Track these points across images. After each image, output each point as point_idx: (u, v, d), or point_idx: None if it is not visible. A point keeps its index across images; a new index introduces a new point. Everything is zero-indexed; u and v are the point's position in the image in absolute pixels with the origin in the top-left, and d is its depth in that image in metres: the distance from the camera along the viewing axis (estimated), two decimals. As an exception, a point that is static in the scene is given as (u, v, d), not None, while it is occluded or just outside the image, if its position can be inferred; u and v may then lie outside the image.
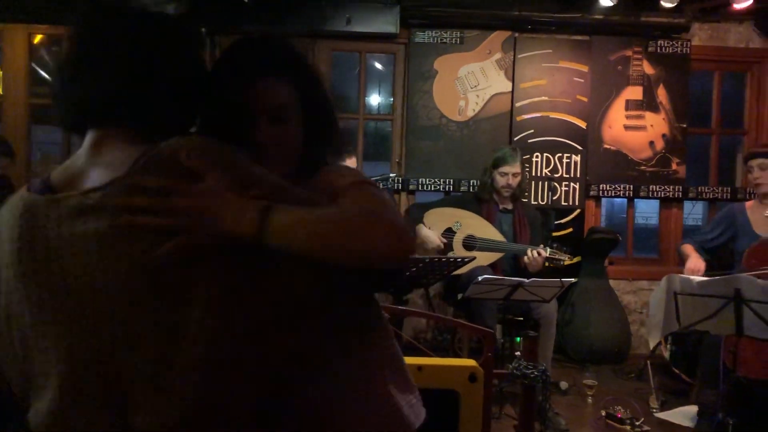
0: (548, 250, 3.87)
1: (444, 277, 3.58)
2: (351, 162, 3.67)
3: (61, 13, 4.82)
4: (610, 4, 4.52)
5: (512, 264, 4.12)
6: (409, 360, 2.35)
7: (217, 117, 1.15)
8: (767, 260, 3.52)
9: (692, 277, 2.99)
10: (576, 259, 5.02)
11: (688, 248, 3.94)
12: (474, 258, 3.53)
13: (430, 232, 3.97)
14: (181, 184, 0.92)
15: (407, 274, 3.08)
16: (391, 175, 3.92)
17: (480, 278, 3.36)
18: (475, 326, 2.43)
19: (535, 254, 3.84)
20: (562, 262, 3.73)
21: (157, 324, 0.90)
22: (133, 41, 1.04)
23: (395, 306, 2.92)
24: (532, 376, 2.36)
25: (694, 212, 8.33)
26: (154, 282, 0.90)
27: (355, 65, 5.46)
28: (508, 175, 4.07)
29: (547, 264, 3.98)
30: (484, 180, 4.20)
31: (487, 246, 3.98)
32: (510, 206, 4.21)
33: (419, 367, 2.30)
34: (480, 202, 4.19)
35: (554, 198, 5.09)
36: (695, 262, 3.78)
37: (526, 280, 3.48)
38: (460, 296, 3.72)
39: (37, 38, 5.19)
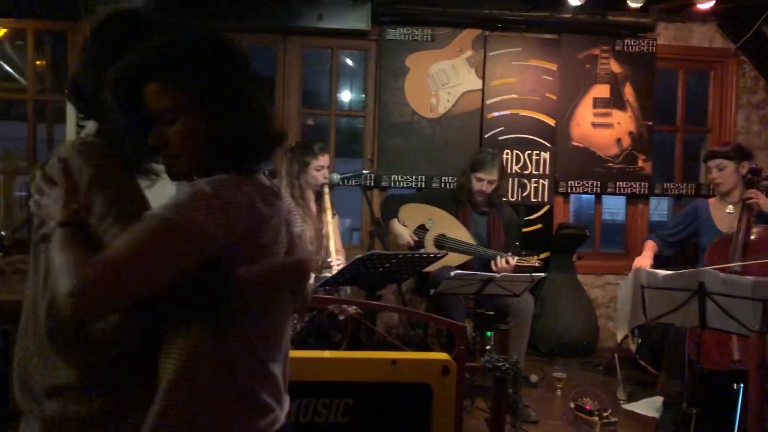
0: (516, 258, 3.90)
1: (416, 272, 3.61)
2: (323, 159, 3.67)
3: (25, 6, 4.76)
4: (579, 3, 4.60)
5: (482, 267, 4.14)
6: (382, 354, 2.39)
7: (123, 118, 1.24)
8: (727, 256, 3.62)
9: (658, 271, 3.06)
10: (545, 254, 5.10)
11: (648, 245, 4.05)
12: (446, 254, 3.57)
13: (402, 229, 4.00)
14: (46, 186, 1.25)
15: (380, 270, 3.11)
16: (363, 171, 3.94)
17: (452, 273, 3.40)
18: (447, 320, 2.47)
19: (503, 262, 3.87)
20: (530, 275, 3.74)
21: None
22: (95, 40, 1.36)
23: (368, 301, 2.95)
24: (503, 369, 2.40)
25: (659, 208, 8.52)
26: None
27: (326, 62, 5.46)
28: (484, 181, 4.06)
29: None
30: (461, 182, 4.20)
31: (458, 247, 4.01)
32: (486, 208, 4.24)
33: (393, 361, 2.33)
34: (456, 202, 4.21)
35: (524, 194, 5.16)
36: (641, 260, 3.92)
37: (497, 275, 3.53)
38: (432, 292, 3.76)
39: (1, 32, 5.10)
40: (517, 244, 4.43)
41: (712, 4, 4.48)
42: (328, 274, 3.31)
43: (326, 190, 3.67)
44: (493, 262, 3.91)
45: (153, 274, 1.07)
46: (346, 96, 9.37)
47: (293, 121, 5.16)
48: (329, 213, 3.60)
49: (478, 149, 4.32)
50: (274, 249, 1.23)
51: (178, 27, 1.28)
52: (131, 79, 1.19)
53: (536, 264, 3.88)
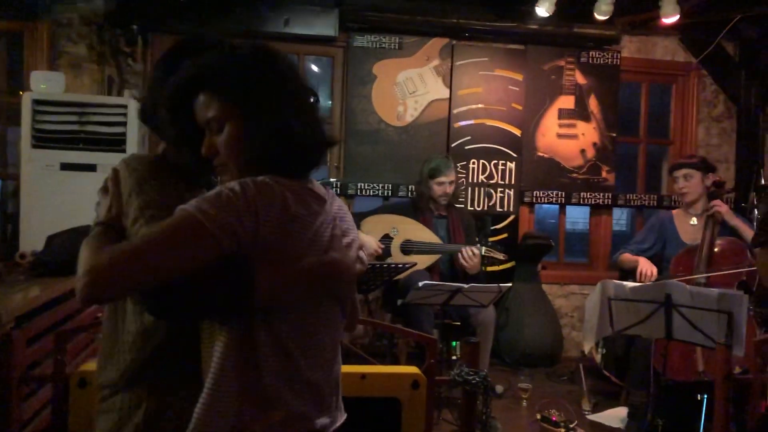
0: (483, 249, 3.93)
1: (384, 283, 3.57)
2: None
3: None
4: (546, 14, 4.62)
5: (450, 267, 4.15)
6: (351, 368, 2.33)
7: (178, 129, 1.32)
8: (692, 267, 3.66)
9: (625, 282, 3.07)
10: (510, 264, 5.11)
11: (630, 256, 4.02)
12: (415, 264, 3.54)
13: (369, 238, 3.96)
14: (101, 193, 1.36)
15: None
16: (329, 180, 3.88)
17: (420, 284, 3.36)
18: (417, 333, 2.42)
19: (470, 253, 3.91)
20: (497, 261, 3.79)
21: None
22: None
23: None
24: (473, 382, 2.37)
25: (620, 219, 8.63)
26: None
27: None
28: (445, 184, 4.15)
29: (484, 268, 4.04)
30: (421, 190, 4.25)
31: (424, 249, 4.01)
32: (444, 212, 4.26)
33: (362, 375, 2.28)
34: (416, 209, 4.22)
35: (490, 204, 5.16)
36: (647, 265, 3.86)
37: (465, 285, 3.50)
38: (399, 302, 3.71)
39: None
40: (486, 240, 4.44)
41: (676, 18, 4.54)
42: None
43: None
44: (460, 256, 3.91)
45: (163, 263, 1.11)
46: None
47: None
48: None
49: (427, 159, 4.32)
50: (309, 251, 1.22)
51: (228, 43, 1.34)
52: (182, 92, 1.26)
53: (502, 257, 3.98)
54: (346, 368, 2.34)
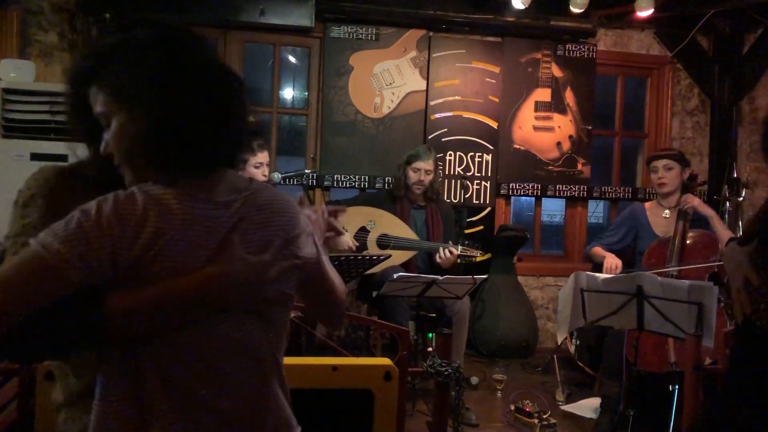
0: (459, 248, 3.93)
1: (360, 275, 3.56)
2: (262, 156, 3.56)
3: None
4: (522, 6, 4.62)
5: (426, 261, 4.16)
6: (322, 360, 2.32)
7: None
8: (664, 259, 3.70)
9: (597, 274, 3.09)
10: (486, 256, 5.13)
11: (600, 250, 4.04)
12: (390, 256, 3.53)
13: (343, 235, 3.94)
14: None
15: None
16: (306, 171, 3.84)
17: (395, 276, 3.36)
18: (390, 325, 2.42)
19: (447, 253, 3.90)
20: (473, 259, 3.80)
21: None
22: None
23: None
24: (446, 373, 2.37)
25: (596, 211, 8.69)
26: None
27: (269, 58, 5.34)
28: (421, 170, 4.12)
29: (459, 261, 4.04)
30: (397, 176, 4.24)
31: (401, 244, 4.00)
32: (423, 203, 4.25)
33: (334, 367, 2.27)
34: (394, 199, 4.21)
35: (466, 196, 5.17)
36: (612, 260, 3.88)
37: (439, 278, 3.51)
38: (375, 294, 3.71)
39: None
40: (461, 231, 4.46)
41: (651, 12, 4.58)
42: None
43: None
44: (437, 254, 3.91)
45: (20, 300, 1.00)
46: (289, 93, 9.20)
47: (233, 118, 5.02)
48: None
49: (412, 148, 4.32)
50: (182, 267, 1.08)
51: (134, 24, 1.18)
52: (77, 84, 1.16)
53: (478, 254, 3.96)
54: (317, 360, 2.34)
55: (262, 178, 3.56)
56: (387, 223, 4.03)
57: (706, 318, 2.78)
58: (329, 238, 1.54)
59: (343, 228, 3.92)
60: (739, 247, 1.67)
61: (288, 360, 2.45)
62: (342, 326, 4.80)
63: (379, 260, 3.22)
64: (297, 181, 4.41)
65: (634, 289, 2.95)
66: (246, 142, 1.23)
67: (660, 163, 3.93)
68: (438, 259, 3.93)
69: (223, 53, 4.96)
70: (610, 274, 3.73)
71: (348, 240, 3.90)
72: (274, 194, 1.25)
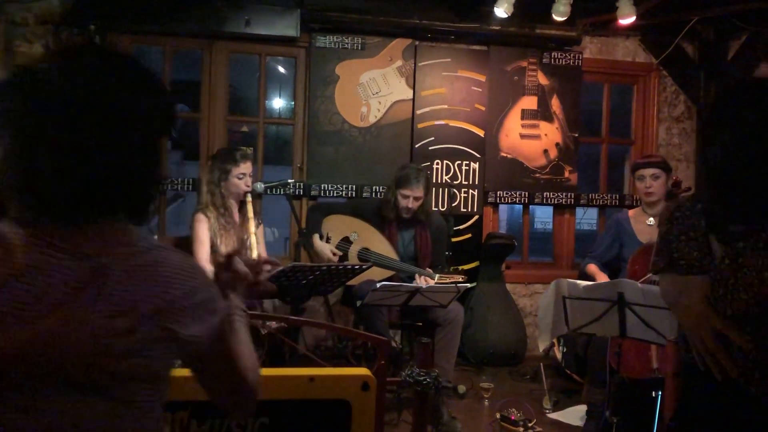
0: (437, 276, 3.86)
1: (342, 284, 3.55)
2: (245, 166, 3.57)
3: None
4: (505, 15, 4.64)
5: (409, 278, 4.11)
6: (299, 370, 2.31)
7: None
8: (648, 265, 3.69)
9: (579, 281, 3.09)
10: (473, 264, 5.12)
11: (593, 268, 3.98)
12: (371, 265, 3.53)
13: (323, 246, 3.93)
14: None
15: (304, 282, 3.03)
16: (289, 180, 3.84)
17: (378, 285, 3.35)
18: (368, 334, 2.42)
19: (423, 282, 3.83)
20: (455, 285, 3.70)
21: None
22: None
23: (289, 317, 2.87)
24: (424, 382, 2.36)
25: (588, 217, 8.69)
26: None
27: (258, 68, 5.34)
28: (410, 198, 4.00)
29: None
30: (387, 197, 4.12)
31: (381, 262, 3.97)
32: (412, 223, 4.16)
33: (311, 378, 2.26)
34: (381, 217, 4.14)
35: (453, 204, 5.17)
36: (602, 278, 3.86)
37: (423, 286, 3.50)
38: (358, 303, 3.70)
39: None
40: (448, 253, 4.42)
41: (632, 19, 4.59)
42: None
43: (249, 198, 3.56)
44: (415, 282, 3.87)
45: None
46: (277, 103, 9.22)
47: (220, 129, 5.03)
48: (252, 223, 3.50)
49: (403, 164, 4.23)
50: (19, 317, 0.96)
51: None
52: None
53: (460, 279, 3.86)
54: (294, 371, 2.33)
55: (246, 189, 3.56)
56: (370, 238, 4.01)
57: (688, 324, 2.77)
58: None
59: (327, 236, 3.94)
60: (683, 278, 1.60)
61: (265, 371, 2.44)
62: (330, 336, 4.78)
63: (360, 270, 3.22)
64: (281, 191, 4.39)
65: (615, 296, 2.94)
66: (154, 192, 1.10)
67: (647, 172, 3.92)
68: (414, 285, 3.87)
69: (208, 64, 4.97)
70: None
71: (327, 252, 3.89)
72: (165, 258, 1.07)
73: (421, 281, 3.82)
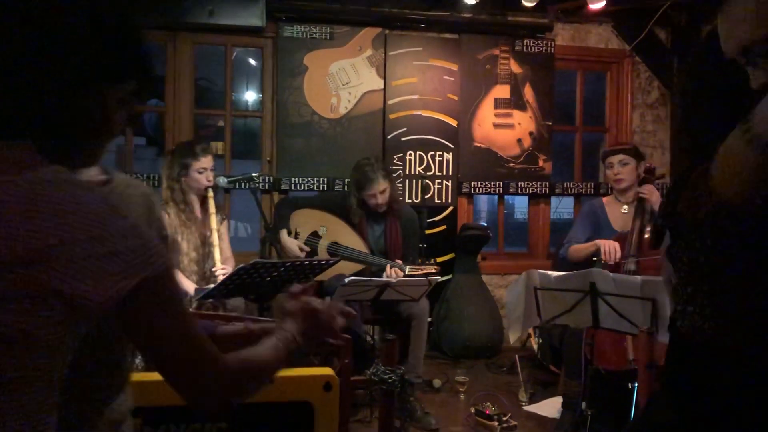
0: (407, 268, 3.78)
1: (310, 280, 3.45)
2: (206, 161, 3.44)
3: None
4: (474, 2, 4.55)
5: (380, 272, 4.02)
6: (259, 372, 2.22)
7: None
8: (622, 254, 3.64)
9: (550, 272, 3.03)
10: (449, 256, 5.05)
11: (579, 246, 3.85)
12: (339, 260, 3.43)
13: (291, 242, 3.83)
14: None
15: (269, 279, 2.93)
16: (253, 174, 3.71)
17: (346, 280, 3.26)
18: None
19: (393, 273, 3.74)
20: (427, 278, 3.61)
21: None
22: None
23: (251, 316, 2.79)
24: (390, 380, 2.28)
25: (564, 205, 8.63)
26: None
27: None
28: (376, 195, 3.89)
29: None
30: (351, 203, 3.97)
31: (351, 255, 3.87)
32: (382, 216, 4.06)
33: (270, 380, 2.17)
34: (348, 213, 4.03)
35: (427, 196, 5.08)
36: (608, 243, 3.65)
37: (393, 280, 3.42)
38: (327, 299, 3.60)
39: None
40: (422, 245, 4.33)
41: (602, 4, 4.53)
42: (212, 285, 3.10)
43: (210, 194, 3.44)
44: (385, 275, 3.78)
45: None
46: (250, 95, 9.06)
47: (186, 122, 4.89)
48: (214, 219, 3.38)
49: (355, 164, 4.05)
50: None
51: None
52: None
53: (433, 270, 3.79)
54: (253, 372, 2.24)
55: (207, 184, 3.44)
56: (339, 232, 3.91)
57: (661, 313, 2.72)
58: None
59: (295, 230, 3.84)
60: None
61: (222, 373, 2.34)
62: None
63: (328, 264, 3.13)
64: (245, 185, 4.26)
65: (587, 286, 2.88)
66: (81, 136, 0.95)
67: (615, 159, 3.87)
68: (385, 277, 3.79)
69: (173, 56, 4.83)
70: (610, 257, 3.58)
71: (295, 248, 3.79)
72: (70, 195, 0.86)
73: (390, 273, 3.72)
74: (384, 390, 2.31)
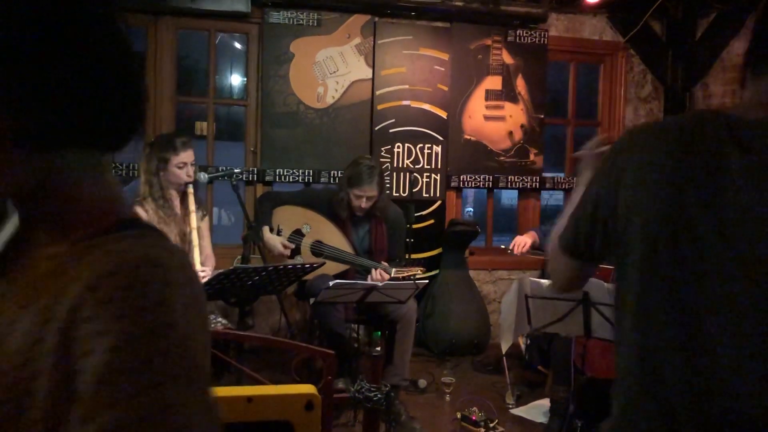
0: (393, 270, 3.66)
1: (292, 283, 3.33)
2: (186, 155, 3.28)
3: None
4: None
5: (364, 271, 3.90)
6: (237, 390, 2.10)
7: None
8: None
9: (542, 280, 2.94)
10: (437, 251, 4.95)
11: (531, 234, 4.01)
12: (323, 263, 3.31)
13: (275, 239, 3.69)
14: None
15: (249, 283, 2.81)
16: (236, 170, 3.54)
17: (330, 283, 3.15)
18: (312, 348, 2.22)
19: (378, 276, 3.63)
20: (413, 278, 3.52)
21: None
22: None
23: (231, 330, 2.68)
24: (375, 399, 2.18)
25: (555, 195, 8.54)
26: None
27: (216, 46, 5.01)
28: (363, 198, 3.74)
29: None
30: (340, 196, 3.82)
31: (334, 255, 3.74)
32: (367, 217, 3.93)
33: (249, 398, 2.06)
34: (333, 211, 3.88)
35: (415, 190, 4.96)
36: (522, 237, 3.91)
37: (379, 284, 3.31)
38: (312, 301, 3.50)
39: None
40: (409, 240, 4.22)
41: (599, -2, 4.40)
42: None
43: (190, 189, 3.28)
44: (370, 278, 3.67)
45: None
46: (236, 79, 8.82)
47: (167, 110, 4.73)
48: (194, 216, 3.22)
49: (355, 159, 3.91)
50: None
51: None
52: None
53: (419, 272, 3.69)
54: (231, 390, 2.12)
55: (187, 179, 3.29)
56: (323, 230, 3.77)
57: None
58: None
59: (278, 227, 3.71)
60: None
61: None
62: (283, 328, 4.57)
63: (312, 268, 3.00)
64: (229, 179, 4.12)
65: (580, 295, 2.79)
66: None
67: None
68: (371, 279, 3.68)
69: (154, 41, 4.66)
70: (516, 249, 3.75)
71: (279, 246, 3.66)
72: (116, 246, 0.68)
73: (376, 276, 3.61)
74: (368, 409, 2.21)
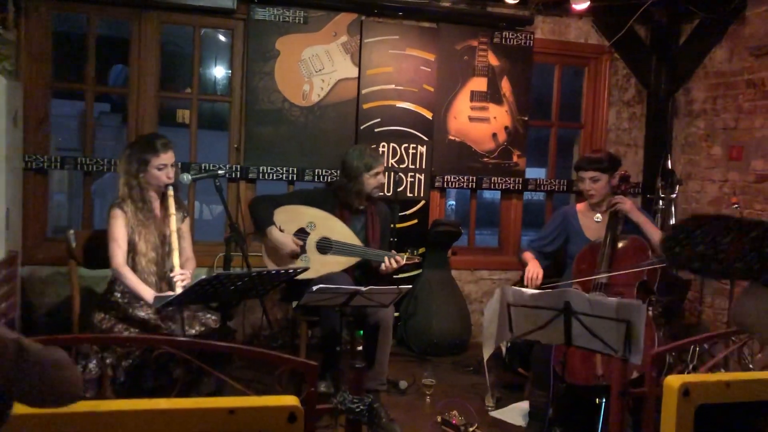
0: (405, 256, 3.74)
1: (275, 287, 3.32)
2: (166, 156, 3.24)
3: None
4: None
5: (362, 263, 3.92)
6: (218, 401, 2.10)
7: None
8: (594, 265, 3.59)
9: (524, 289, 2.96)
10: (420, 250, 4.97)
11: (528, 256, 3.90)
12: (307, 268, 3.30)
13: (285, 237, 3.69)
14: None
15: (232, 288, 2.80)
16: (219, 171, 3.49)
17: (314, 288, 3.14)
18: (294, 359, 2.22)
19: (393, 262, 3.71)
20: (397, 287, 3.57)
21: None
22: None
23: (210, 341, 2.67)
24: (357, 410, 2.19)
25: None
26: None
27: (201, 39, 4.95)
28: (380, 174, 3.89)
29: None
30: (357, 188, 3.84)
31: (343, 249, 3.75)
32: (362, 206, 3.96)
33: (230, 410, 2.06)
34: (336, 203, 3.91)
35: (399, 189, 4.97)
36: (533, 269, 3.76)
37: (363, 289, 3.31)
38: (295, 304, 3.49)
39: None
40: (393, 239, 4.23)
41: (586, 5, 4.42)
42: (172, 293, 2.95)
43: (171, 192, 3.25)
44: (383, 265, 3.73)
45: None
46: (219, 71, 8.73)
47: (150, 106, 4.68)
48: (173, 219, 3.19)
49: (357, 149, 3.95)
50: None
51: None
52: None
53: (418, 260, 3.86)
54: (213, 402, 2.12)
55: (168, 181, 3.25)
56: (328, 226, 3.77)
57: (634, 336, 2.67)
58: None
59: (280, 228, 3.70)
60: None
61: (179, 402, 2.22)
62: (266, 326, 4.57)
63: (296, 273, 2.99)
64: (212, 179, 4.09)
65: (561, 304, 2.81)
66: None
67: (587, 175, 3.78)
68: (383, 268, 3.72)
69: (137, 36, 4.60)
70: (530, 283, 3.64)
71: (290, 243, 3.67)
72: None
73: (391, 263, 3.71)
74: (350, 420, 2.22)
